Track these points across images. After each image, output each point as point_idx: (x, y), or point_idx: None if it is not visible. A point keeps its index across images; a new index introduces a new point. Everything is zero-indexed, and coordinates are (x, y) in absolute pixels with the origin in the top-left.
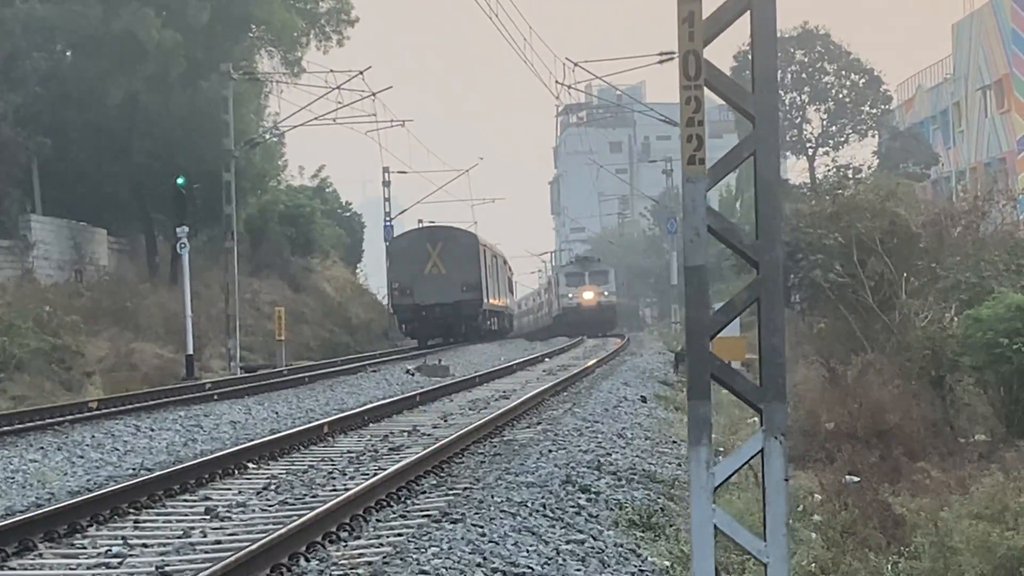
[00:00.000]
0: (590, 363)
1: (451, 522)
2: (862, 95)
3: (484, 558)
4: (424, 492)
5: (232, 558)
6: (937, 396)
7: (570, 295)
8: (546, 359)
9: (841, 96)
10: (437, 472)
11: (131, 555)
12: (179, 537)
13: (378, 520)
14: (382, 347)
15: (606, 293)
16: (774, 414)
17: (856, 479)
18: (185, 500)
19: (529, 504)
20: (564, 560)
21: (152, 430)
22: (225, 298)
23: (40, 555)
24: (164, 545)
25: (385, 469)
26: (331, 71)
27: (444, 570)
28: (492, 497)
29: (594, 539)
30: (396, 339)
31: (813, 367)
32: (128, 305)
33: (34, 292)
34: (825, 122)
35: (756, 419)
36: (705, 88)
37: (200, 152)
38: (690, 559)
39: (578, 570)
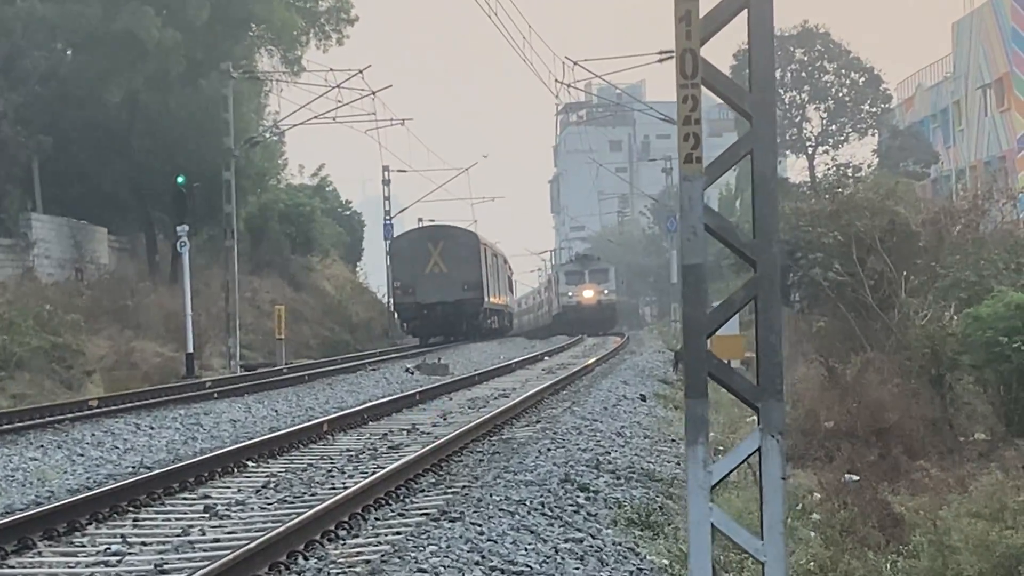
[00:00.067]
0: (589, 362)
1: (450, 521)
2: (862, 94)
3: (483, 556)
4: (423, 490)
5: (230, 556)
6: (936, 395)
7: (570, 293)
8: (546, 358)
9: (841, 95)
10: (436, 471)
11: (130, 553)
12: (178, 535)
13: (377, 519)
14: (382, 346)
15: (606, 291)
16: (771, 413)
17: (855, 478)
18: (184, 498)
19: (528, 503)
20: (563, 559)
21: (152, 428)
22: (225, 296)
23: (39, 553)
24: (163, 543)
25: (384, 467)
26: (331, 70)
27: (442, 568)
28: (491, 496)
29: (593, 537)
30: (396, 337)
31: (812, 366)
32: (128, 303)
33: (34, 290)
34: (825, 121)
35: (755, 418)
36: (703, 87)
37: (200, 151)
38: (688, 558)
39: (576, 569)
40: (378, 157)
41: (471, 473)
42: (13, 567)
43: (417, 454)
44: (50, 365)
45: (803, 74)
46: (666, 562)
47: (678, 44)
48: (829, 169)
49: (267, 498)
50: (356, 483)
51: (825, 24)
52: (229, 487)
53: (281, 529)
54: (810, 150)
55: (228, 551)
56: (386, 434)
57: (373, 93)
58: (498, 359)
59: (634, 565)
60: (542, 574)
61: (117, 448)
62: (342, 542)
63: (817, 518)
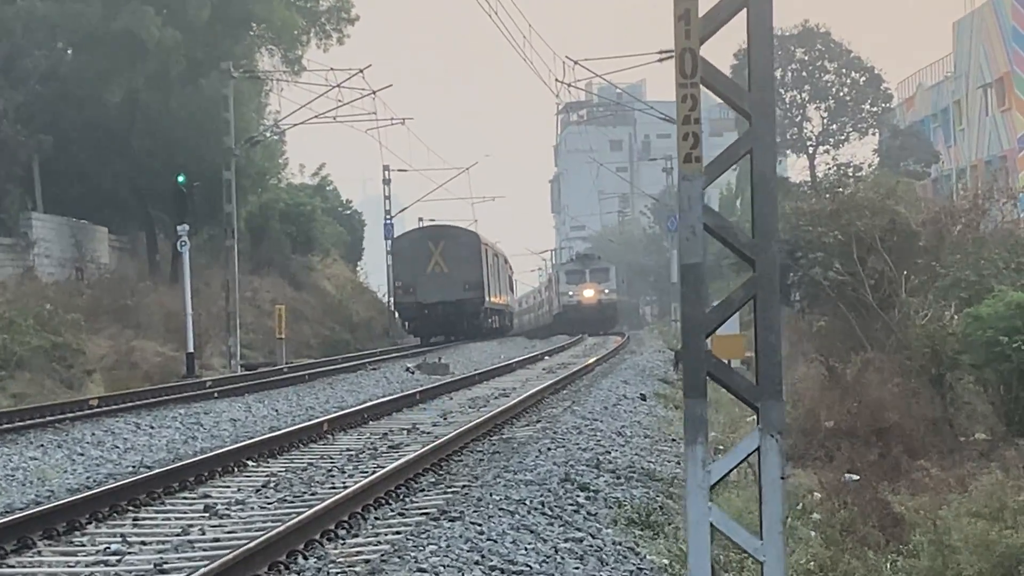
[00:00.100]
0: (590, 361)
1: (449, 520)
2: (863, 93)
3: (482, 556)
4: (423, 490)
5: (230, 556)
6: (937, 394)
7: (570, 293)
8: (546, 357)
9: (842, 94)
10: (436, 470)
11: (130, 553)
12: (178, 535)
13: (376, 518)
14: (382, 345)
15: (607, 291)
16: (770, 412)
17: (856, 477)
18: (184, 498)
19: (528, 502)
20: (562, 558)
21: (152, 428)
22: (225, 296)
23: (39, 553)
24: (163, 543)
25: (384, 467)
26: (331, 69)
27: (442, 568)
28: (491, 495)
29: (592, 537)
30: (396, 337)
31: (813, 365)
32: (129, 303)
33: (35, 290)
34: (825, 120)
35: (755, 417)
36: (703, 86)
37: (200, 150)
38: (687, 557)
39: (576, 568)
40: (378, 156)
41: (471, 473)
42: (13, 566)
43: (417, 453)
44: (50, 364)
45: (804, 73)
46: (666, 562)
47: (677, 43)
48: (830, 169)
49: (267, 497)
50: (356, 483)
51: (826, 23)
52: (229, 486)
53: (281, 529)
54: (811, 149)
55: (228, 550)
56: (386, 433)
57: (373, 92)
58: (498, 358)
59: (634, 565)
60: (542, 574)
61: (117, 447)
62: (342, 541)
63: (817, 518)
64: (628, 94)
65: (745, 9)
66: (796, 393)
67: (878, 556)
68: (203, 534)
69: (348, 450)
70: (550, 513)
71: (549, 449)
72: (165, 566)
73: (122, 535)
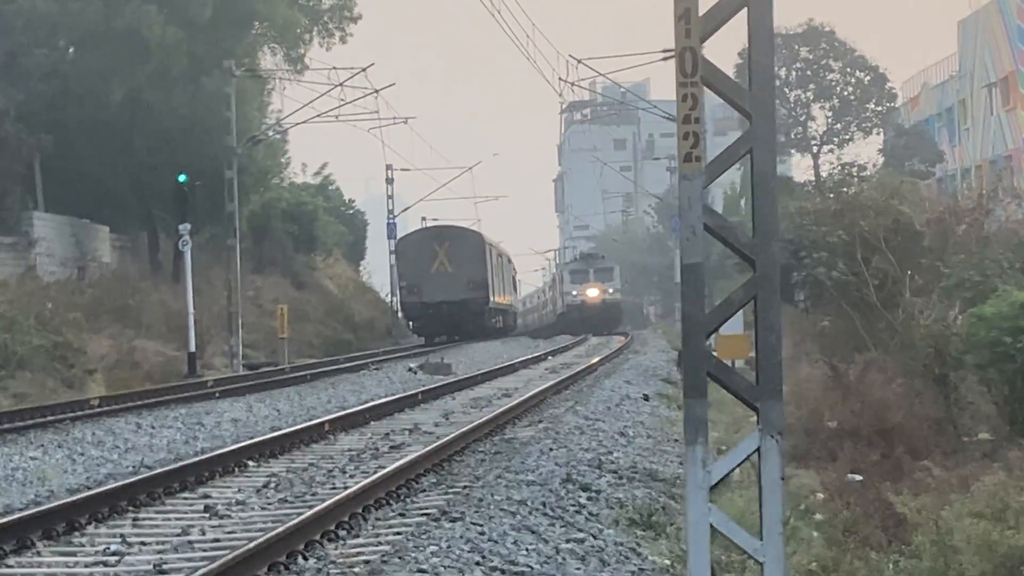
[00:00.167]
0: (593, 361)
1: (450, 521)
2: (867, 92)
3: (483, 557)
4: (424, 490)
5: (229, 556)
6: (940, 394)
7: (574, 292)
8: (549, 357)
9: (846, 93)
10: (437, 470)
11: (129, 553)
12: (178, 535)
13: (377, 519)
14: (384, 345)
15: (611, 291)
16: (770, 412)
17: (859, 477)
18: (185, 498)
19: (529, 503)
20: (564, 559)
21: (153, 428)
22: (227, 295)
23: (38, 553)
24: (163, 543)
25: (385, 467)
26: (334, 68)
27: (442, 569)
28: (492, 495)
29: (594, 538)
30: (399, 337)
31: (816, 365)
32: (130, 302)
33: (36, 289)
34: (830, 119)
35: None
36: (703, 85)
37: (202, 149)
38: (687, 558)
39: (578, 569)
40: (381, 156)
41: (472, 473)
42: (12, 567)
43: (419, 454)
44: (52, 364)
45: (808, 73)
46: (668, 562)
47: (678, 42)
48: (834, 168)
49: (268, 498)
50: (357, 483)
51: (830, 23)
52: (230, 487)
53: (281, 529)
54: (815, 149)
55: (227, 551)
56: (388, 434)
57: (376, 91)
58: (501, 358)
59: (636, 565)
60: (543, 574)
61: (118, 447)
62: (342, 542)
63: (820, 518)
64: (632, 93)
65: (745, 8)
66: (800, 393)
67: (880, 557)
68: (203, 534)
69: (349, 450)
70: (552, 514)
71: (551, 449)
72: (165, 566)
73: (122, 535)
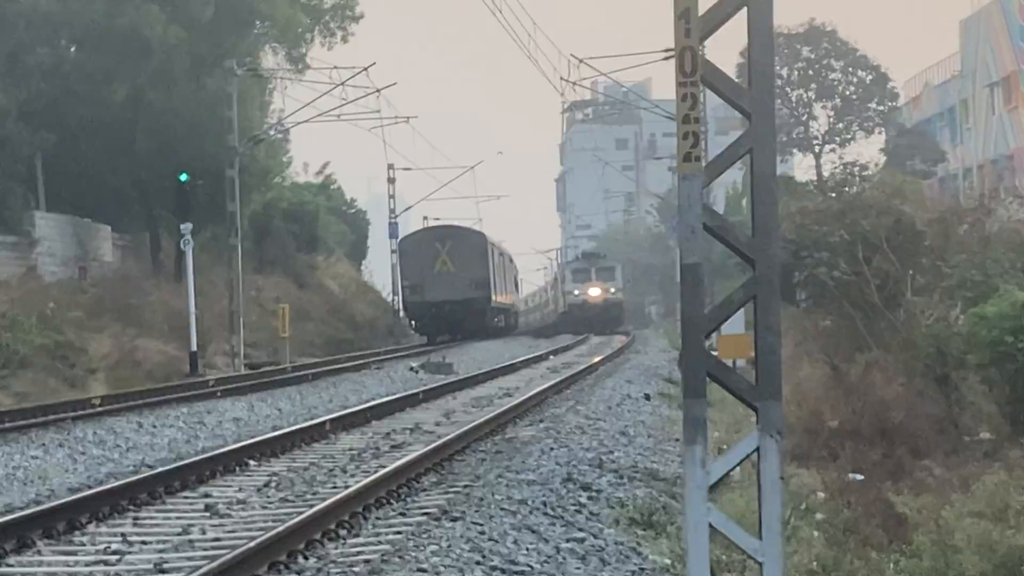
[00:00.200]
0: (594, 360)
1: (451, 520)
2: (869, 92)
3: (483, 556)
4: (425, 490)
5: (229, 556)
6: (942, 394)
7: (576, 291)
8: (550, 356)
9: (848, 93)
10: (438, 470)
11: (130, 552)
12: (178, 534)
13: (378, 518)
14: (386, 344)
15: (613, 290)
16: (769, 412)
17: (860, 477)
18: (185, 497)
19: (529, 502)
20: (564, 558)
21: (154, 427)
22: (229, 295)
23: (38, 552)
24: (163, 542)
25: (386, 467)
26: (335, 67)
27: (443, 568)
28: (493, 495)
29: (594, 537)
30: (400, 336)
31: (817, 365)
32: (132, 302)
33: (38, 289)
34: (832, 119)
35: None
36: (703, 85)
37: (204, 148)
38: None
39: (578, 568)
40: (383, 155)
41: (473, 472)
42: (12, 566)
43: (419, 453)
44: (53, 363)
45: (810, 72)
46: (668, 562)
47: (677, 42)
48: (836, 168)
49: (268, 497)
50: (358, 482)
51: (832, 22)
52: (231, 486)
53: (281, 528)
54: (817, 148)
55: (227, 550)
56: (389, 433)
57: (378, 91)
58: (503, 358)
59: (636, 565)
60: (543, 574)
61: (119, 447)
62: (342, 541)
63: (820, 517)
64: (634, 92)
65: (745, 8)
66: (801, 392)
67: (881, 556)
68: (204, 533)
69: (350, 449)
70: (552, 513)
71: (552, 449)
72: (165, 566)
73: (122, 534)
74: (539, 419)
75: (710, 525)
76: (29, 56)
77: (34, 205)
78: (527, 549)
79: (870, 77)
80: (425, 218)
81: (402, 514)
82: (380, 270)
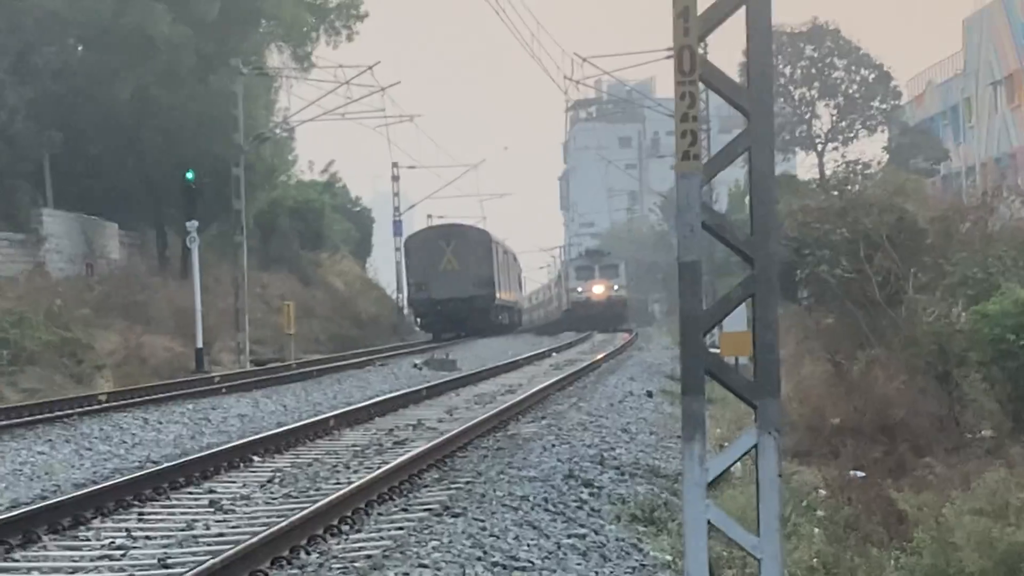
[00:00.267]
0: (597, 358)
1: (452, 516)
2: (872, 90)
3: (484, 552)
4: (427, 486)
5: (232, 551)
6: (943, 391)
7: (579, 289)
8: (553, 354)
9: (851, 91)
10: (440, 466)
11: (134, 547)
12: (182, 529)
13: (380, 514)
14: (391, 341)
15: (616, 287)
16: (768, 410)
17: (861, 474)
18: (190, 493)
19: (531, 498)
20: (565, 554)
21: (160, 423)
22: (235, 292)
23: (44, 547)
24: (167, 537)
25: (389, 463)
26: (340, 66)
27: (444, 563)
28: (494, 491)
29: (596, 533)
30: (404, 333)
31: (819, 363)
32: (138, 299)
33: (45, 285)
34: (834, 117)
35: None
36: (702, 84)
37: (210, 147)
38: (684, 554)
39: (579, 564)
40: (387, 153)
41: (475, 469)
42: (18, 560)
43: (422, 449)
44: (60, 360)
45: (813, 71)
46: (669, 558)
47: (676, 40)
48: (839, 166)
49: (272, 493)
50: (360, 478)
51: (835, 20)
52: (235, 482)
53: (284, 524)
54: (820, 147)
55: (231, 545)
56: (392, 429)
57: (382, 89)
58: (506, 355)
59: (637, 561)
60: (544, 570)
61: (125, 442)
62: (344, 536)
63: (821, 514)
64: (637, 91)
65: (744, 7)
66: (803, 390)
67: (881, 553)
68: (208, 529)
69: (354, 446)
70: (553, 509)
71: (553, 446)
72: (169, 561)
73: (127, 530)
74: (541, 416)
75: (708, 522)
76: (37, 55)
77: (42, 203)
78: (528, 545)
79: (873, 76)
80: (429, 216)
81: (404, 510)
82: (384, 267)
